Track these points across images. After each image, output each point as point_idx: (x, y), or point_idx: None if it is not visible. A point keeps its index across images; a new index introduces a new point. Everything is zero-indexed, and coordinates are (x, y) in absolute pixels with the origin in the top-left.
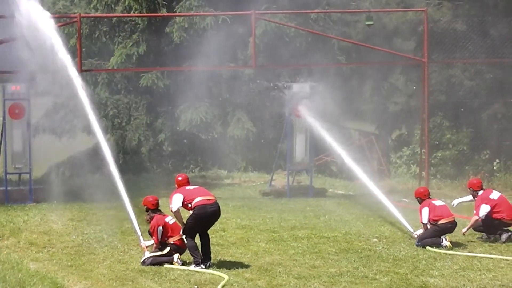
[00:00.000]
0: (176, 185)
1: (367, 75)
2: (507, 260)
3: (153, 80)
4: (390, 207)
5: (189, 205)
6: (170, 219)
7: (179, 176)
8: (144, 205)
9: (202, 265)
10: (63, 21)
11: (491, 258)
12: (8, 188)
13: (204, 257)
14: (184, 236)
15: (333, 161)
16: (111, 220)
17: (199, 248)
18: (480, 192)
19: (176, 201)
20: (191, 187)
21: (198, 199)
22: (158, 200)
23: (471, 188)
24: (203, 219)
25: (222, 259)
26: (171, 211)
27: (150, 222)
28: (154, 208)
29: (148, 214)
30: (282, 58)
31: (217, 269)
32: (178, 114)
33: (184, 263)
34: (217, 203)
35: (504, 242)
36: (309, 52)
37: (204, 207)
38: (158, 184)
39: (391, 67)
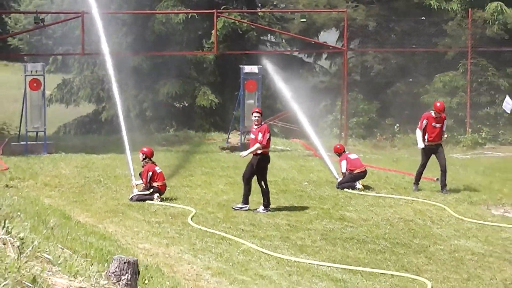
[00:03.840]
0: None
1: (302, 60)
2: (405, 199)
3: (139, 62)
4: (326, 159)
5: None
6: (158, 169)
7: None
8: (144, 153)
9: (268, 208)
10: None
11: (393, 197)
12: (28, 142)
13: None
14: (262, 182)
15: (275, 124)
16: (106, 167)
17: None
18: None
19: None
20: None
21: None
22: (153, 151)
23: None
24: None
25: (190, 197)
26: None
27: (143, 167)
28: (151, 157)
29: (144, 159)
30: (238, 46)
31: (187, 204)
32: (158, 88)
33: (162, 200)
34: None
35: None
36: (258, 42)
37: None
38: (142, 141)
39: (319, 53)
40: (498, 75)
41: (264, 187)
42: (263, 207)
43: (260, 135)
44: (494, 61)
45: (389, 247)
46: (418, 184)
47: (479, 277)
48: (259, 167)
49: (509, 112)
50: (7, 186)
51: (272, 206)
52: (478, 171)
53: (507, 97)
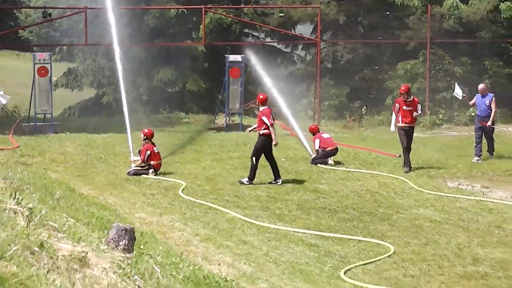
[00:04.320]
0: (258, 102)
1: (280, 51)
2: (371, 173)
3: (137, 52)
4: (302, 138)
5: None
6: (155, 149)
7: (261, 95)
8: (145, 134)
9: (251, 182)
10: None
11: (360, 172)
12: (36, 123)
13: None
14: (254, 158)
15: (256, 106)
16: (106, 145)
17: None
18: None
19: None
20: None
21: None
22: (153, 133)
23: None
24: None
25: (181, 172)
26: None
27: (143, 146)
28: (151, 138)
29: (145, 140)
30: (223, 38)
31: (178, 178)
32: (153, 75)
33: (156, 174)
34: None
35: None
36: (242, 34)
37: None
38: (139, 122)
39: (296, 44)
40: (454, 63)
41: (255, 162)
42: (247, 179)
43: (266, 119)
44: (450, 51)
45: (357, 215)
46: (409, 166)
47: (436, 242)
48: (262, 146)
49: (461, 98)
50: (17, 162)
51: (255, 180)
52: (436, 148)
53: (456, 85)
